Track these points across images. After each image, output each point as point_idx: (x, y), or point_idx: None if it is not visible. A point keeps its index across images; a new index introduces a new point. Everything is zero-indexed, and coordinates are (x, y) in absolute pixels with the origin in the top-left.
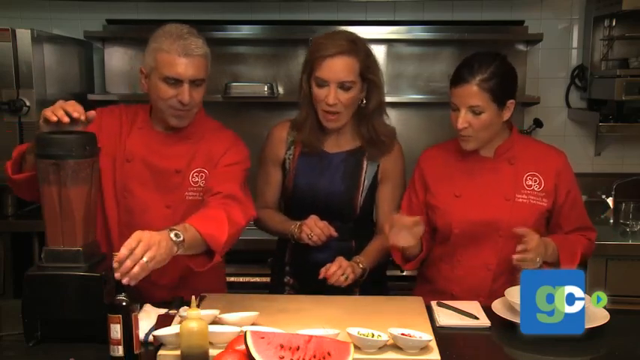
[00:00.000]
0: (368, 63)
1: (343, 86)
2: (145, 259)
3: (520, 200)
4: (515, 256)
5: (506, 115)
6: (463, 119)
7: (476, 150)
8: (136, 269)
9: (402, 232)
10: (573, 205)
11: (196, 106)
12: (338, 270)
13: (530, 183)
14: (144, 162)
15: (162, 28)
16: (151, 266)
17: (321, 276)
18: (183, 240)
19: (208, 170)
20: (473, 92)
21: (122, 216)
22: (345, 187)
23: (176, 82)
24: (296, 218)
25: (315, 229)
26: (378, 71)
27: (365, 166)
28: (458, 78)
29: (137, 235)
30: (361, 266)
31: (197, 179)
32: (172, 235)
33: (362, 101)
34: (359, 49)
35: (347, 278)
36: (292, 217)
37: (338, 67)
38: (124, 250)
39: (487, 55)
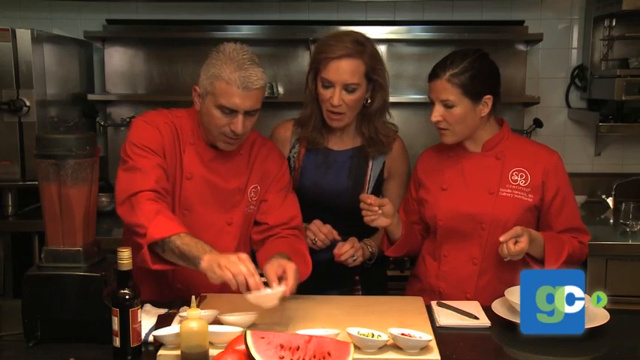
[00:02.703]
0: (374, 64)
1: (348, 88)
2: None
3: (504, 194)
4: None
5: (484, 110)
6: (436, 112)
7: (464, 145)
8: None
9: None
10: (563, 205)
11: (247, 133)
12: (350, 250)
13: (515, 178)
14: (205, 180)
15: (222, 50)
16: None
17: (336, 257)
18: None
19: (261, 187)
20: (443, 86)
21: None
22: (351, 184)
23: (231, 111)
24: (304, 215)
25: (319, 234)
26: (383, 72)
27: (370, 163)
28: (432, 73)
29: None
30: (370, 249)
31: (253, 194)
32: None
33: (366, 100)
34: (365, 50)
35: (355, 260)
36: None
37: (343, 70)
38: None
39: (464, 51)
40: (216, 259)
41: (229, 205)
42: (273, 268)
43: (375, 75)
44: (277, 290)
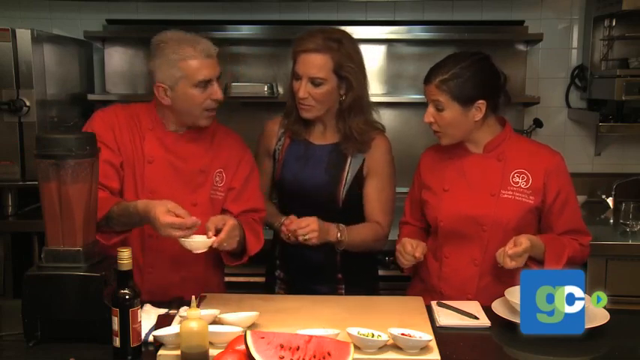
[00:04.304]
0: (344, 62)
1: (314, 82)
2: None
3: (505, 196)
4: (499, 257)
5: (477, 115)
6: (428, 114)
7: (465, 146)
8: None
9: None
10: (564, 206)
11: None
12: (303, 227)
13: (517, 180)
14: (166, 162)
15: (165, 40)
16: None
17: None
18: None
19: (226, 173)
20: (433, 91)
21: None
22: (327, 178)
23: (206, 83)
24: (285, 208)
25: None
26: (355, 72)
27: (349, 159)
28: (425, 78)
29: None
30: (339, 235)
31: (217, 179)
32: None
33: (342, 97)
34: (336, 47)
35: (306, 239)
36: (281, 207)
37: (310, 63)
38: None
39: (459, 56)
40: (155, 226)
41: (193, 185)
42: (216, 219)
43: (344, 72)
44: (206, 240)
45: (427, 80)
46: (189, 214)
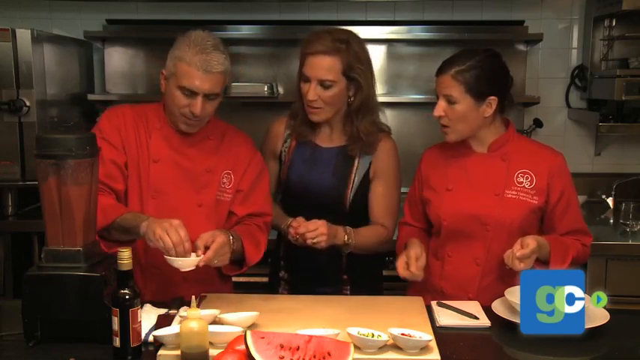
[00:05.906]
0: (353, 63)
1: (323, 84)
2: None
3: (509, 196)
4: (507, 259)
5: (487, 111)
6: (439, 107)
7: (469, 144)
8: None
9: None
10: (567, 207)
11: (207, 117)
12: (312, 230)
13: (521, 180)
14: (172, 162)
15: (188, 35)
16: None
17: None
18: (234, 245)
19: (235, 175)
20: (447, 82)
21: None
22: (335, 181)
23: (191, 93)
24: (290, 210)
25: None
26: (365, 72)
27: (356, 162)
28: (439, 68)
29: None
30: (347, 238)
31: (225, 180)
32: (230, 237)
33: (350, 98)
34: (344, 49)
35: (315, 242)
36: (287, 209)
37: (318, 66)
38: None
39: (473, 50)
40: (152, 227)
41: (198, 186)
42: (205, 236)
43: (353, 73)
44: (193, 259)
45: (441, 71)
46: (188, 239)
